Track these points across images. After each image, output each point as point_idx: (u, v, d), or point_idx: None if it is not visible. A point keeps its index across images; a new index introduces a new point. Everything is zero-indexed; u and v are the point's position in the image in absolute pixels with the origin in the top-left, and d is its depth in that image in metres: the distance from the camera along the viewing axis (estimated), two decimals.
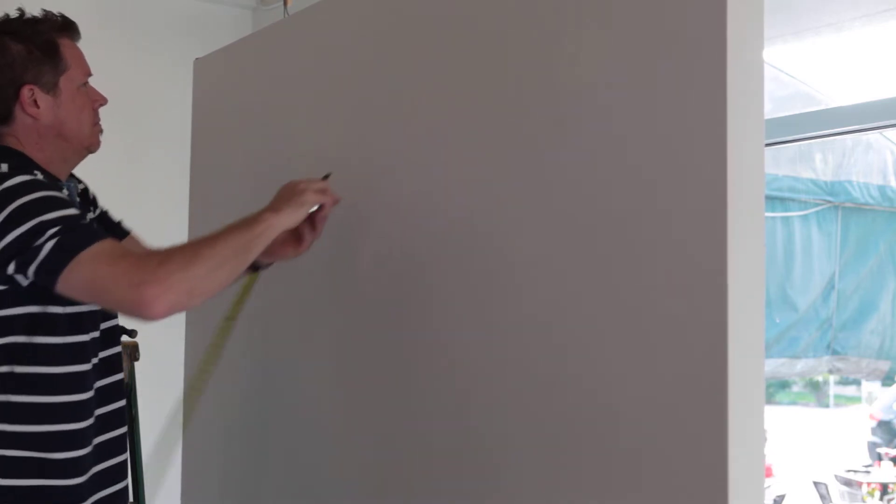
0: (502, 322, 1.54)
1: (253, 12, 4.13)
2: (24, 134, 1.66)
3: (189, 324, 2.58)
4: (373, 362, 1.84)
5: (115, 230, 1.89)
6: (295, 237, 1.77)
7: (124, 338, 2.61)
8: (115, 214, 1.93)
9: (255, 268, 1.84)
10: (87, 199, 1.84)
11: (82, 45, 1.75)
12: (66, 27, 1.70)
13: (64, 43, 1.69)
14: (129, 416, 2.64)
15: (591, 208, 1.40)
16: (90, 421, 1.66)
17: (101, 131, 1.75)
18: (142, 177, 3.75)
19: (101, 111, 1.76)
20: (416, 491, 1.72)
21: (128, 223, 1.95)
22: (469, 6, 1.66)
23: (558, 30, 1.47)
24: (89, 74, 1.74)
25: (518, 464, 1.51)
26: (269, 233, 1.59)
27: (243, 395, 2.29)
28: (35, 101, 1.65)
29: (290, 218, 1.63)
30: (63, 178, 1.72)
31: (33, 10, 1.72)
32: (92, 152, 1.75)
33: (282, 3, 2.59)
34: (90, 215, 1.82)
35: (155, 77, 3.77)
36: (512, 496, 1.52)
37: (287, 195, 1.66)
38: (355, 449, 1.88)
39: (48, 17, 1.69)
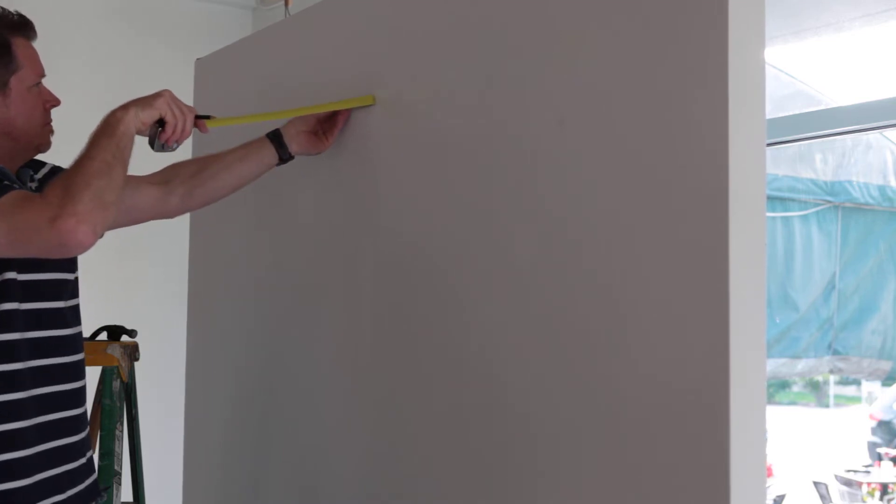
0: (500, 322, 1.54)
1: (253, 12, 4.13)
2: None
3: (189, 324, 2.58)
4: (375, 360, 1.84)
5: None
6: (316, 136, 1.89)
7: (124, 338, 2.63)
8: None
9: (281, 159, 1.91)
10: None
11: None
12: (21, 27, 1.68)
13: (17, 42, 1.66)
14: (128, 416, 2.65)
15: (593, 208, 1.40)
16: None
17: (51, 132, 1.74)
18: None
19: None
20: (417, 491, 1.72)
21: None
22: (469, 6, 1.66)
23: (559, 30, 1.47)
24: (42, 75, 1.71)
25: (517, 464, 1.50)
26: (128, 129, 1.59)
27: (245, 394, 2.29)
28: None
29: (139, 114, 1.62)
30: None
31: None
32: (42, 152, 1.75)
33: (282, 3, 2.59)
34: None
35: (155, 77, 3.76)
36: (510, 495, 1.52)
37: (142, 98, 1.65)
38: (358, 449, 1.88)
39: (3, 15, 1.66)
